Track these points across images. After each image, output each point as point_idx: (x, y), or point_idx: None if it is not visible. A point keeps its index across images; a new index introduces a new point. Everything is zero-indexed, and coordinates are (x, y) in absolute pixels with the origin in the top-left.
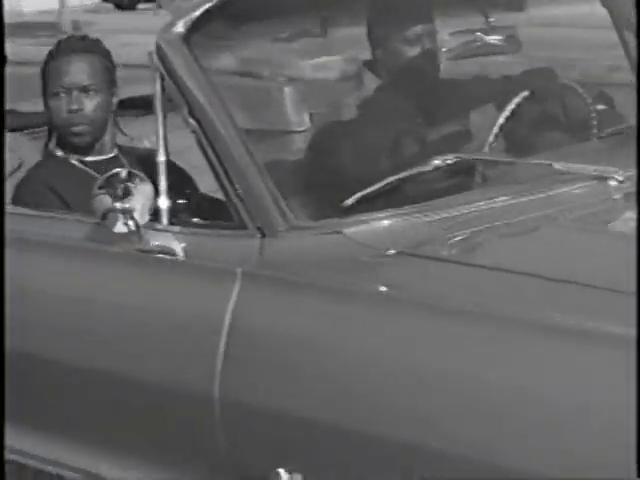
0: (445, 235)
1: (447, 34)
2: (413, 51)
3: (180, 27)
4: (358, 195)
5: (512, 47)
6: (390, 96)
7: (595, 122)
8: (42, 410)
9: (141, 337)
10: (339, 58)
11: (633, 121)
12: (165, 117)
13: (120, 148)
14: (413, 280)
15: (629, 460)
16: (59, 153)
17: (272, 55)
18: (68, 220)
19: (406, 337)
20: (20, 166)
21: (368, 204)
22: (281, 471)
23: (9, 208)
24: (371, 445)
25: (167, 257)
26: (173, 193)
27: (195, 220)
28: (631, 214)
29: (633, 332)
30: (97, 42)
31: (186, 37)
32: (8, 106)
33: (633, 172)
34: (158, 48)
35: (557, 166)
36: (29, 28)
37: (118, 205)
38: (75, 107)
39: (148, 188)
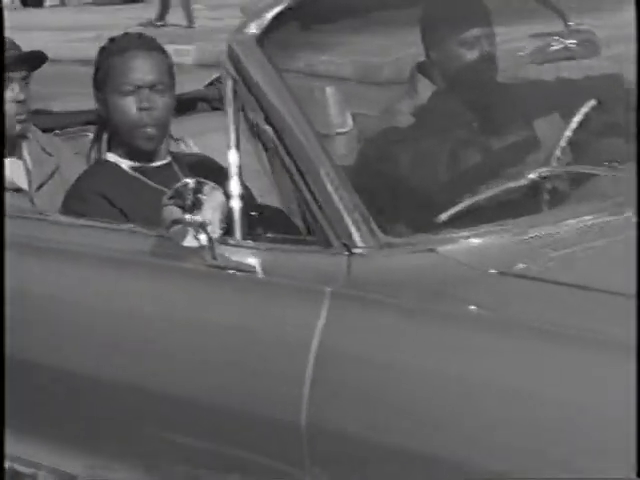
0: (541, 253)
1: (525, 37)
2: (472, 54)
3: (253, 28)
4: (452, 211)
5: (590, 51)
6: (450, 102)
7: None
8: (107, 433)
9: (216, 360)
10: (389, 59)
11: None
12: (238, 122)
13: (173, 154)
14: (515, 301)
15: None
16: (112, 159)
17: (341, 55)
18: (127, 232)
19: (508, 362)
20: (56, 171)
21: (458, 220)
22: None
23: (58, 218)
24: (466, 474)
25: (244, 274)
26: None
27: (272, 235)
28: None
29: None
30: (155, 40)
31: (260, 39)
32: (38, 105)
33: None
34: (230, 50)
35: None
36: None
37: (188, 217)
38: (146, 105)
39: (220, 199)
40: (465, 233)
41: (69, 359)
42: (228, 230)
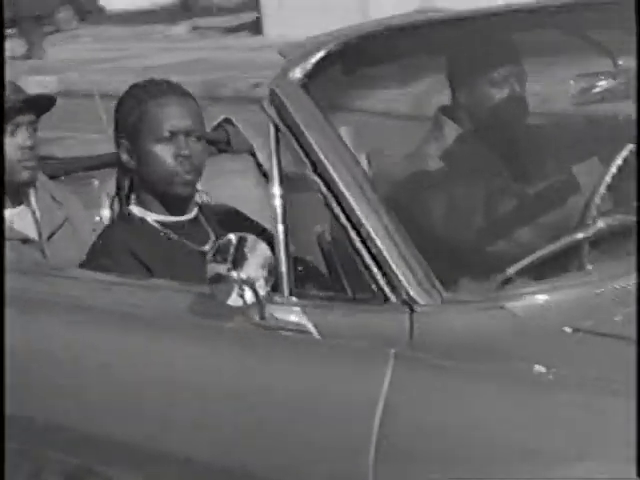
0: (612, 309)
1: (571, 77)
2: (501, 94)
3: (298, 72)
4: (519, 265)
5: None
6: (482, 145)
7: None
8: None
9: (269, 429)
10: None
11: None
12: (281, 171)
13: (199, 207)
14: (590, 361)
15: None
16: (137, 212)
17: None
18: (160, 289)
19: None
20: (66, 220)
21: (523, 274)
22: None
23: (81, 274)
24: None
25: (297, 335)
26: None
27: (321, 292)
28: None
29: None
30: (182, 86)
31: (305, 84)
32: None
33: None
34: (272, 96)
35: None
36: None
37: (232, 274)
38: (186, 152)
39: (265, 254)
40: (539, 287)
41: (97, 426)
42: (274, 287)
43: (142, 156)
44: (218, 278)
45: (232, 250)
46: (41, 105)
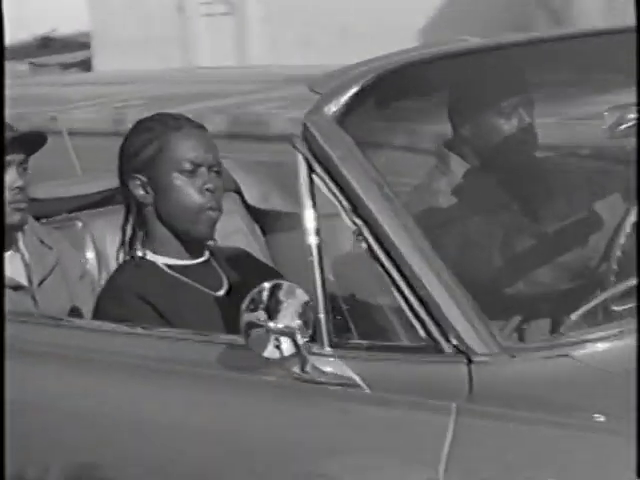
0: None
1: (604, 109)
2: (509, 125)
3: (333, 107)
4: (581, 310)
5: None
6: (494, 181)
7: None
8: None
9: None
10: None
11: None
12: (317, 211)
13: (210, 249)
14: None
15: None
16: (147, 255)
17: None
18: (184, 339)
19: None
20: (56, 265)
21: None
22: None
23: (90, 324)
24: None
25: (345, 389)
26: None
27: (363, 341)
28: None
29: None
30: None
31: (340, 119)
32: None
33: None
34: (305, 132)
35: None
36: None
37: (271, 325)
38: (211, 186)
39: (301, 301)
40: (594, 335)
41: None
42: (312, 337)
43: (162, 190)
44: (253, 329)
45: (266, 298)
46: (32, 143)
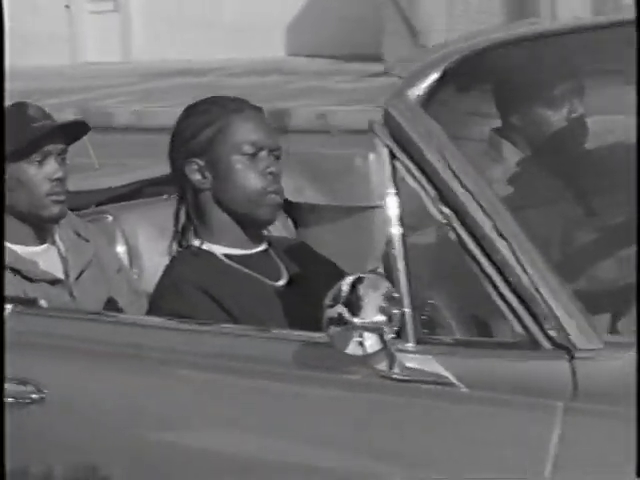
0: None
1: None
2: (559, 115)
3: (416, 91)
4: None
5: None
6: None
7: None
8: None
9: None
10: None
11: None
12: (401, 202)
13: (267, 240)
14: None
15: None
16: (202, 245)
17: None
18: (254, 336)
19: None
20: (93, 258)
21: None
22: None
23: (148, 320)
24: None
25: (436, 387)
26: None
27: (452, 337)
28: None
29: None
30: None
31: (424, 103)
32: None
33: None
34: (388, 117)
35: None
36: None
37: (356, 320)
38: (274, 170)
39: (387, 294)
40: None
41: None
42: (398, 332)
43: (221, 174)
44: (334, 325)
45: (347, 293)
46: (73, 132)
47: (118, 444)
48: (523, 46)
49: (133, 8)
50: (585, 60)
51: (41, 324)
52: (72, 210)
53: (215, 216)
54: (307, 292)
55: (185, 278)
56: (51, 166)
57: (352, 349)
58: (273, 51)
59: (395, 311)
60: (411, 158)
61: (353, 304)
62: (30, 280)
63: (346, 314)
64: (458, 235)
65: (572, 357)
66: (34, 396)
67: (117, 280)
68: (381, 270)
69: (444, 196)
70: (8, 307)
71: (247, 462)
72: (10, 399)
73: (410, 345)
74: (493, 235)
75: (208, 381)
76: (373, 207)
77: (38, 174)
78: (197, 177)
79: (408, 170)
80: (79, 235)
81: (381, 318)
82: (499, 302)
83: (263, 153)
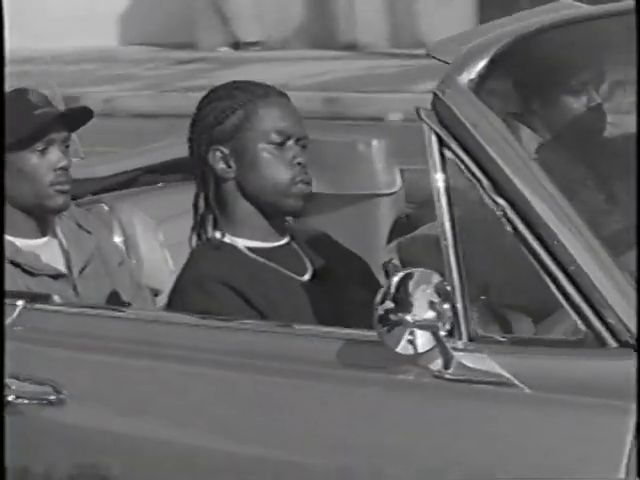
0: None
1: None
2: (578, 103)
3: (467, 75)
4: None
5: None
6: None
7: None
8: None
9: None
10: None
11: None
12: (450, 192)
13: (290, 231)
14: None
15: None
16: (224, 237)
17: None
18: (288, 334)
19: None
20: (95, 251)
21: None
22: None
23: (168, 316)
24: None
25: (496, 388)
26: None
27: (507, 335)
28: None
29: None
30: None
31: (477, 88)
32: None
33: None
34: (438, 103)
35: None
36: None
37: (409, 318)
38: (302, 160)
39: (439, 289)
40: None
41: None
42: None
43: (247, 163)
44: (386, 322)
45: (397, 288)
46: (77, 119)
47: (140, 446)
48: (572, 29)
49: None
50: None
51: (57, 321)
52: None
53: (239, 207)
54: (333, 286)
55: (208, 273)
56: (55, 155)
57: (403, 348)
58: (109, 40)
59: (446, 306)
60: (463, 146)
61: (403, 301)
62: (31, 274)
63: (396, 311)
64: (514, 226)
65: None
66: (52, 397)
67: (119, 273)
68: (396, 261)
69: (499, 186)
70: (19, 303)
71: (284, 468)
72: (26, 400)
73: (463, 343)
74: (554, 228)
75: (238, 381)
76: (378, 195)
77: (41, 163)
78: (221, 165)
79: (459, 158)
80: (80, 227)
81: (433, 314)
82: (559, 297)
83: (290, 142)
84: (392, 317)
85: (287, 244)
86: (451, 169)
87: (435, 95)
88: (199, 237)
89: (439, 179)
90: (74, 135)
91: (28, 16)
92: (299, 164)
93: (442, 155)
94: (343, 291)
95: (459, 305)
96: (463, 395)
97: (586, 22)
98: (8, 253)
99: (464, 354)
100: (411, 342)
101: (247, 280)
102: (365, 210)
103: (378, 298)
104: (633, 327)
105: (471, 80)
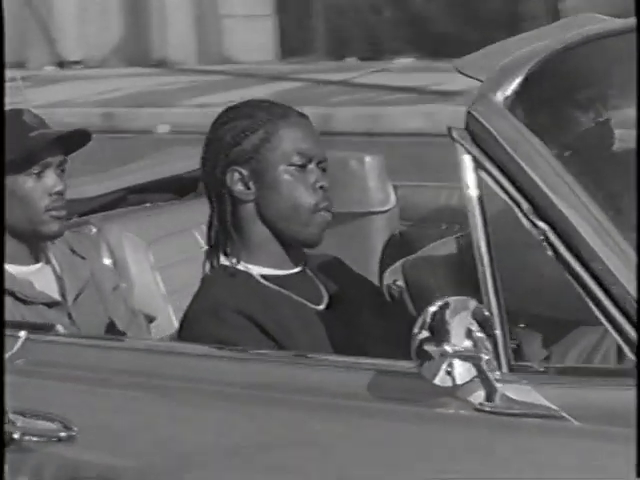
0: None
1: None
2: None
3: (502, 93)
4: None
5: None
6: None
7: None
8: None
9: None
10: None
11: None
12: (485, 216)
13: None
14: None
15: None
16: (238, 265)
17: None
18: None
19: None
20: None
21: None
22: None
23: (181, 347)
24: None
25: (543, 421)
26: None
27: (546, 365)
28: None
29: None
30: None
31: (513, 107)
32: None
33: None
34: (472, 123)
35: None
36: None
37: (449, 349)
38: (324, 184)
39: (478, 317)
40: None
41: None
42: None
43: (267, 185)
44: (423, 352)
45: (432, 318)
46: (74, 142)
47: None
48: (605, 43)
49: None
50: None
51: (61, 353)
52: None
53: (255, 231)
54: (349, 315)
55: (223, 301)
56: (51, 178)
57: (441, 379)
58: None
59: (484, 335)
60: (500, 167)
61: (441, 330)
62: (24, 302)
63: (434, 341)
64: (556, 251)
65: None
66: (62, 434)
67: (114, 300)
68: (401, 282)
69: (539, 208)
70: (21, 334)
71: None
72: (35, 438)
73: (503, 373)
74: (600, 253)
75: (256, 413)
76: (372, 213)
77: (36, 187)
78: (239, 187)
79: (496, 180)
80: (74, 252)
81: (470, 343)
82: (609, 327)
83: (312, 165)
84: (429, 348)
85: (302, 271)
86: (486, 191)
87: (469, 114)
88: (211, 264)
89: (474, 201)
90: None
91: None
92: (321, 188)
93: (478, 177)
94: (360, 319)
95: (499, 333)
96: (508, 429)
97: (618, 36)
98: None
99: (505, 385)
100: (449, 373)
101: (264, 310)
102: (359, 228)
103: (415, 329)
104: None
105: (507, 98)
